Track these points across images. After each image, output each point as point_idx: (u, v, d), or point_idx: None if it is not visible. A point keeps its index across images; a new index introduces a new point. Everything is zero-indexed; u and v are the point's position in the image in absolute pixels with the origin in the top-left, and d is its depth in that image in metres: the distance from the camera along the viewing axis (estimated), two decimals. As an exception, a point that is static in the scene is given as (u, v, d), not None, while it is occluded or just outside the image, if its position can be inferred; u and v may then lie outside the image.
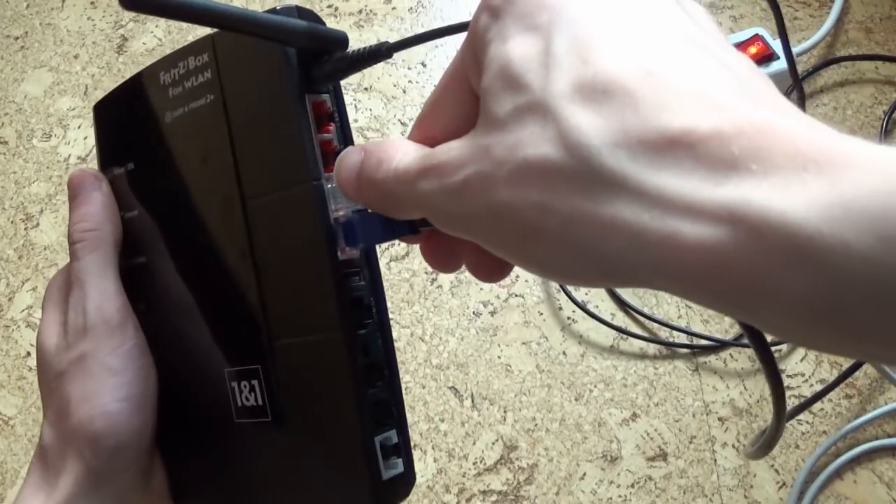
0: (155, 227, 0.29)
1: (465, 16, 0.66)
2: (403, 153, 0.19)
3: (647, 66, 0.14)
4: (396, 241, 0.54)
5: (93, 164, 0.58)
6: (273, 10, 0.24)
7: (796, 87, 0.59)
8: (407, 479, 0.25)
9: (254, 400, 0.26)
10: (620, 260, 0.14)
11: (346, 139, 0.25)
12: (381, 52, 0.24)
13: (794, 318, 0.12)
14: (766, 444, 0.21)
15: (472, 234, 0.17)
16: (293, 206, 0.24)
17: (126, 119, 0.31)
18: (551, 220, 0.14)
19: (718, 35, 0.17)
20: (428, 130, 0.20)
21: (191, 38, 0.65)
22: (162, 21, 0.66)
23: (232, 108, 0.26)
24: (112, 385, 0.26)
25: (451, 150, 0.17)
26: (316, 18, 0.25)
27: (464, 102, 0.19)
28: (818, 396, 0.47)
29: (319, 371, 0.25)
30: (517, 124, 0.15)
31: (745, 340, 0.51)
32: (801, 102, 0.62)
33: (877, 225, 0.11)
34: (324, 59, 0.24)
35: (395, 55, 0.68)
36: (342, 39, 0.24)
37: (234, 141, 0.26)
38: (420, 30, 0.65)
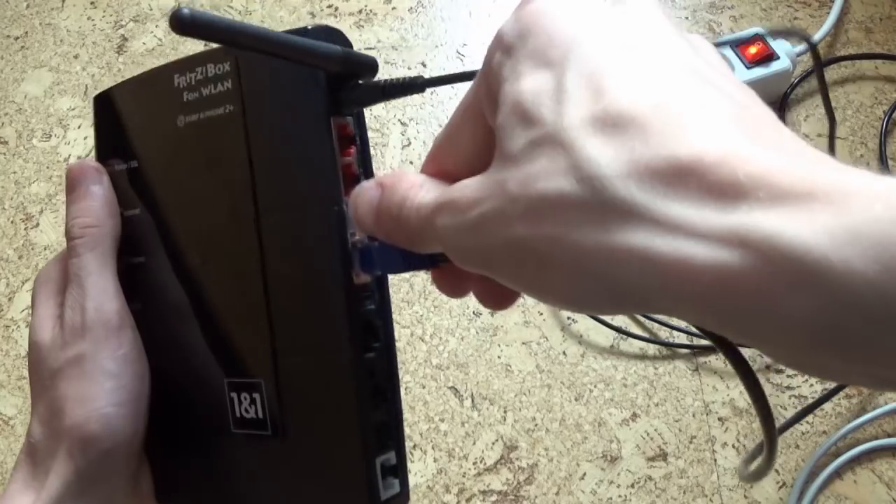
0: (156, 229, 0.29)
1: (466, 15, 0.66)
2: (425, 189, 0.19)
3: (655, 97, 0.15)
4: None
5: (93, 164, 0.58)
6: (303, 30, 0.24)
7: (818, 72, 0.59)
8: (402, 499, 0.25)
9: (254, 413, 0.26)
10: (633, 286, 0.14)
11: (366, 163, 0.25)
12: (415, 86, 0.24)
13: (799, 339, 0.13)
14: (760, 470, 0.22)
15: (487, 269, 0.17)
16: (311, 227, 0.25)
17: (132, 115, 0.31)
18: (566, 253, 0.15)
19: (723, 67, 0.17)
20: (442, 164, 0.20)
21: (189, 41, 0.65)
22: (162, 21, 0.66)
23: (252, 120, 0.26)
24: (108, 389, 0.26)
25: (467, 186, 0.17)
26: (344, 40, 0.25)
27: (478, 137, 0.19)
28: (818, 404, 0.47)
29: (324, 390, 0.25)
30: (530, 158, 0.16)
31: (745, 340, 0.51)
32: (823, 86, 0.62)
33: (880, 251, 0.12)
34: (352, 82, 0.24)
35: (396, 55, 0.68)
36: (373, 65, 0.24)
37: (252, 154, 0.26)
38: (420, 30, 0.65)
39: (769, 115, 0.16)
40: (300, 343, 0.26)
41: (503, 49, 0.17)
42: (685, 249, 0.13)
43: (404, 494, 0.26)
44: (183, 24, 0.19)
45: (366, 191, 0.21)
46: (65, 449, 0.26)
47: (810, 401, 0.49)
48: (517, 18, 0.17)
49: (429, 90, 0.61)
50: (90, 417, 0.26)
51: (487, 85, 0.18)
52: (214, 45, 0.25)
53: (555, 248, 0.15)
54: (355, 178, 0.25)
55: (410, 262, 0.22)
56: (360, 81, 0.24)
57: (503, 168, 0.16)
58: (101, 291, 0.27)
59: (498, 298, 0.22)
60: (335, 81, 0.24)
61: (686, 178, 0.14)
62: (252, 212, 0.26)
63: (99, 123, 0.32)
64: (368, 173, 0.26)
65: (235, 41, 0.20)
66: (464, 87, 0.52)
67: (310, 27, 0.24)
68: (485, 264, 0.17)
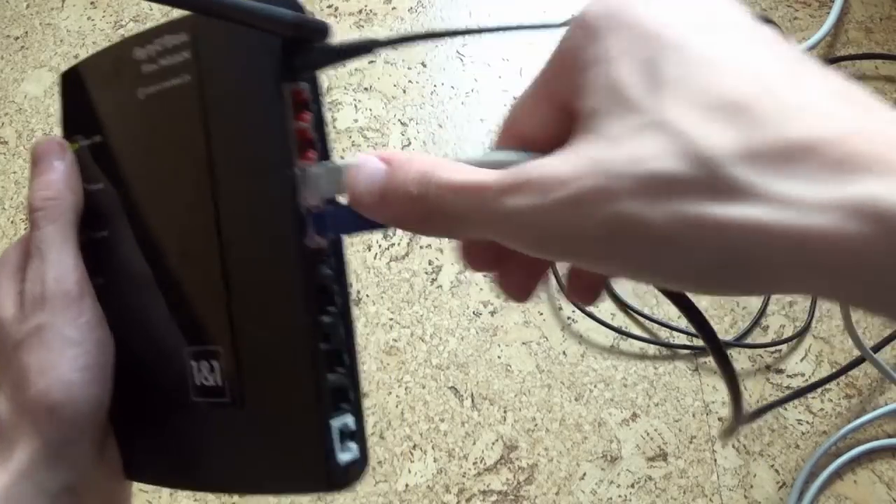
0: (119, 202, 0.29)
1: (465, 16, 0.66)
2: (455, 170, 0.18)
3: (761, 83, 0.16)
4: (397, 242, 0.54)
5: (93, 164, 0.58)
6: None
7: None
8: (361, 464, 0.25)
9: (213, 380, 0.26)
10: (753, 259, 0.15)
11: (321, 129, 0.25)
12: (366, 48, 0.24)
13: None
14: (730, 427, 0.23)
15: (572, 250, 0.17)
16: (265, 192, 0.25)
17: (95, 91, 0.31)
18: (685, 229, 0.15)
19: (795, 46, 0.19)
20: (517, 142, 0.20)
21: (191, 38, 0.65)
22: (162, 21, 0.66)
23: (208, 89, 0.26)
24: (70, 356, 0.26)
25: (551, 165, 0.17)
26: (298, 7, 0.24)
27: (550, 117, 0.19)
28: (812, 387, 0.47)
29: (280, 355, 0.25)
30: (636, 141, 0.16)
31: (746, 340, 0.51)
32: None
33: None
34: (306, 47, 0.24)
35: (395, 55, 0.68)
36: (324, 29, 0.24)
37: (209, 123, 0.26)
38: (420, 30, 0.65)
39: (867, 94, 0.16)
40: (256, 309, 0.26)
41: (588, 32, 0.17)
42: (805, 221, 0.14)
43: (363, 459, 0.26)
44: None
45: (366, 166, 0.19)
46: (29, 420, 0.26)
47: (810, 401, 0.49)
48: (602, 1, 0.18)
49: (429, 90, 0.62)
50: (52, 385, 0.26)
51: (565, 65, 0.18)
52: (175, 15, 0.25)
53: (672, 223, 0.15)
54: (310, 143, 0.24)
55: (363, 222, 0.22)
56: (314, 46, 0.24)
57: (599, 148, 0.16)
58: (62, 262, 0.27)
59: (583, 291, 0.22)
60: (290, 48, 0.24)
61: (801, 156, 0.14)
62: (208, 180, 0.26)
63: (65, 100, 0.32)
64: (324, 139, 0.25)
65: (189, 3, 0.21)
66: (463, 83, 0.51)
67: None
68: (570, 246, 0.17)
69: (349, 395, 0.26)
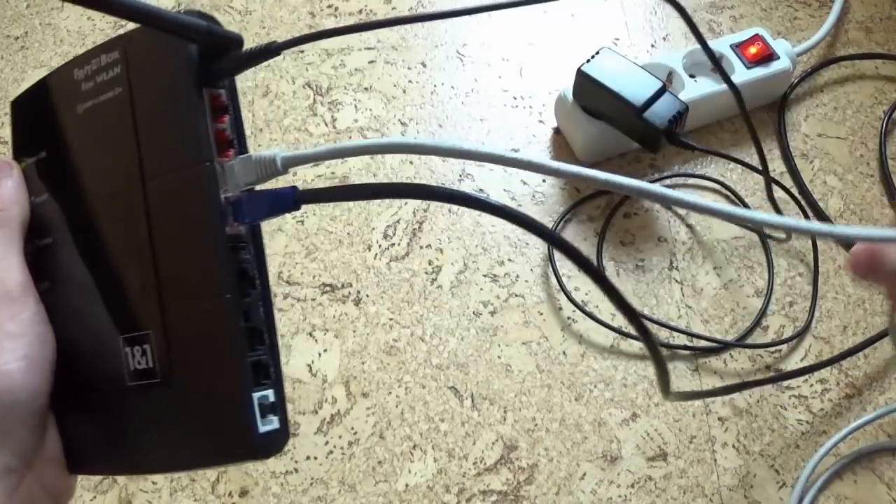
0: (62, 211, 0.32)
1: (465, 16, 0.66)
2: None
3: None
4: (397, 243, 0.54)
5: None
6: (178, 12, 0.27)
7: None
8: (282, 435, 0.28)
9: (145, 363, 0.29)
10: None
11: (239, 130, 0.28)
12: (270, 50, 0.28)
13: None
14: (662, 385, 0.27)
15: None
16: (188, 185, 0.28)
17: (40, 112, 0.34)
18: None
19: None
20: None
21: (191, 38, 0.65)
22: (162, 21, 0.66)
23: (137, 99, 0.30)
24: (10, 347, 0.28)
25: None
26: (215, 22, 0.28)
27: None
28: (800, 372, 0.48)
29: (205, 334, 0.28)
30: None
31: (747, 341, 0.51)
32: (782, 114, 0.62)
33: None
34: (220, 55, 0.28)
35: (396, 55, 0.68)
36: (238, 39, 0.28)
37: (138, 128, 0.29)
38: (420, 30, 0.65)
39: None
40: (183, 292, 0.28)
41: None
42: None
43: (284, 432, 0.28)
44: None
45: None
46: None
47: (810, 400, 0.49)
48: None
49: (429, 90, 0.62)
50: None
51: None
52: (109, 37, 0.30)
53: None
54: (229, 143, 0.28)
55: (275, 207, 0.27)
56: (213, 61, 0.28)
57: None
58: (5, 266, 0.30)
59: None
60: (206, 57, 0.28)
61: None
62: (139, 178, 0.29)
63: (14, 126, 0.35)
64: (241, 137, 0.29)
65: (108, 6, 0.24)
66: (463, 83, 0.51)
67: (183, 10, 0.28)
68: None
69: (269, 372, 0.28)
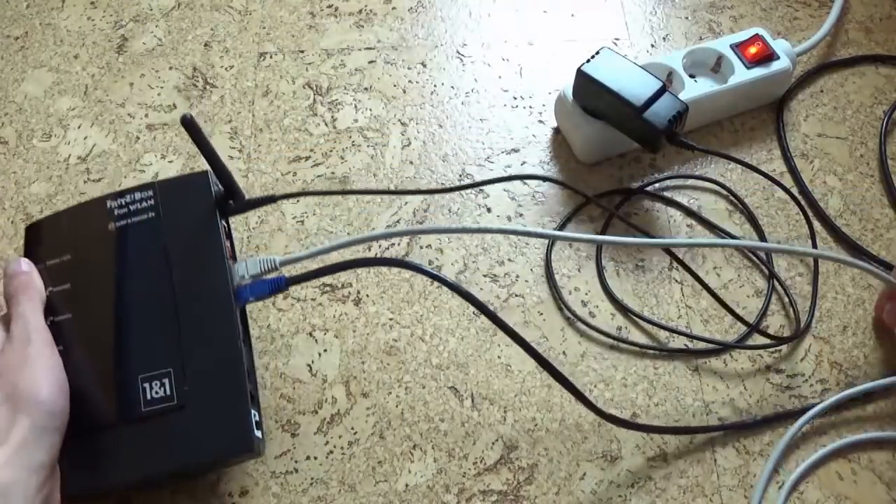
0: (84, 296, 0.43)
1: (466, 16, 0.66)
2: None
3: None
4: (397, 242, 0.54)
5: (93, 163, 0.58)
6: (192, 173, 0.45)
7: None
8: (263, 443, 0.43)
9: (162, 392, 0.40)
10: None
11: (233, 245, 0.46)
12: (272, 199, 0.46)
13: None
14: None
15: None
16: (211, 276, 0.42)
17: (69, 226, 0.45)
18: None
19: None
20: None
21: (190, 38, 0.65)
22: (162, 21, 0.66)
23: (166, 220, 0.43)
24: (50, 375, 0.38)
25: None
26: (227, 174, 0.43)
27: None
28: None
29: (218, 371, 0.40)
30: None
31: (747, 342, 0.51)
32: (780, 117, 0.62)
33: None
34: (229, 201, 0.44)
35: (396, 55, 0.68)
36: (242, 195, 0.44)
37: (167, 239, 0.43)
38: (420, 30, 0.65)
39: None
40: (201, 342, 0.41)
41: None
42: None
43: (264, 442, 0.44)
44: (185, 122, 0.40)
45: None
46: (22, 409, 0.36)
47: (810, 400, 0.49)
48: None
49: (429, 90, 0.62)
50: (42, 386, 0.37)
51: None
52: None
53: None
54: (232, 254, 0.44)
55: (273, 290, 0.43)
56: (233, 201, 0.44)
57: None
58: (37, 317, 0.41)
59: None
60: (222, 201, 0.44)
61: None
62: (167, 270, 0.42)
63: (35, 240, 0.46)
64: (233, 249, 0.45)
65: (200, 145, 0.41)
66: (463, 83, 0.51)
67: (196, 172, 0.45)
68: None
69: (256, 398, 0.42)
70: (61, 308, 0.42)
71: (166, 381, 0.40)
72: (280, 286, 0.43)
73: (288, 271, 0.52)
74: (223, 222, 0.44)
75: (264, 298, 0.44)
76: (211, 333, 0.41)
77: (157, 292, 0.42)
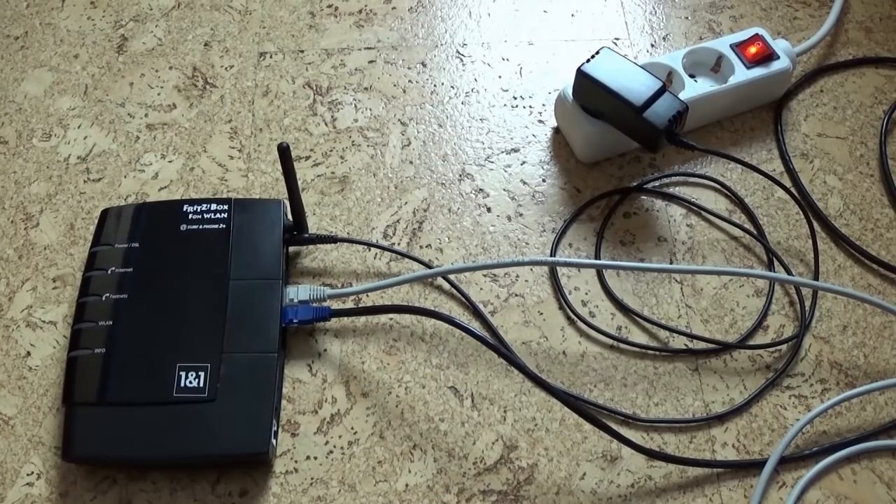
0: (146, 280, 0.48)
1: (465, 15, 0.66)
2: None
3: None
4: (397, 243, 0.54)
5: (93, 163, 0.58)
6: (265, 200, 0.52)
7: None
8: (274, 451, 0.46)
9: (196, 383, 0.44)
10: None
11: (288, 274, 0.52)
12: (334, 238, 0.52)
13: None
14: None
15: None
16: (264, 289, 0.48)
17: (144, 219, 0.50)
18: None
19: None
20: None
21: (190, 38, 0.65)
22: (162, 21, 0.66)
23: (235, 234, 0.49)
24: None
25: None
26: (300, 208, 0.50)
27: None
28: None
29: (252, 375, 0.45)
30: None
31: (748, 342, 0.51)
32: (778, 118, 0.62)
33: None
34: (294, 232, 0.51)
35: (395, 55, 0.67)
36: (306, 227, 0.51)
37: (231, 250, 0.48)
38: (420, 30, 0.65)
39: None
40: (241, 346, 0.46)
41: None
42: None
43: (275, 452, 0.47)
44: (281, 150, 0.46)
45: None
46: None
47: (810, 400, 0.49)
48: None
49: (429, 90, 0.62)
50: None
51: None
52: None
53: None
54: (286, 278, 0.51)
55: (317, 317, 0.48)
56: (296, 233, 0.51)
57: None
58: None
59: None
60: (287, 229, 0.50)
61: None
62: (225, 277, 0.47)
63: (104, 226, 0.51)
64: (288, 277, 0.52)
65: (290, 184, 0.48)
66: (463, 83, 0.51)
67: (269, 198, 0.54)
68: None
69: (278, 412, 0.47)
70: (120, 287, 0.47)
71: (202, 374, 0.44)
72: (324, 315, 0.48)
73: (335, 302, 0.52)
74: (286, 248, 0.50)
75: (307, 324, 0.48)
76: (252, 343, 0.45)
77: (210, 295, 0.47)
